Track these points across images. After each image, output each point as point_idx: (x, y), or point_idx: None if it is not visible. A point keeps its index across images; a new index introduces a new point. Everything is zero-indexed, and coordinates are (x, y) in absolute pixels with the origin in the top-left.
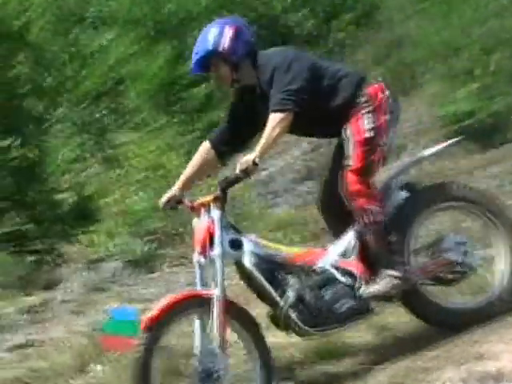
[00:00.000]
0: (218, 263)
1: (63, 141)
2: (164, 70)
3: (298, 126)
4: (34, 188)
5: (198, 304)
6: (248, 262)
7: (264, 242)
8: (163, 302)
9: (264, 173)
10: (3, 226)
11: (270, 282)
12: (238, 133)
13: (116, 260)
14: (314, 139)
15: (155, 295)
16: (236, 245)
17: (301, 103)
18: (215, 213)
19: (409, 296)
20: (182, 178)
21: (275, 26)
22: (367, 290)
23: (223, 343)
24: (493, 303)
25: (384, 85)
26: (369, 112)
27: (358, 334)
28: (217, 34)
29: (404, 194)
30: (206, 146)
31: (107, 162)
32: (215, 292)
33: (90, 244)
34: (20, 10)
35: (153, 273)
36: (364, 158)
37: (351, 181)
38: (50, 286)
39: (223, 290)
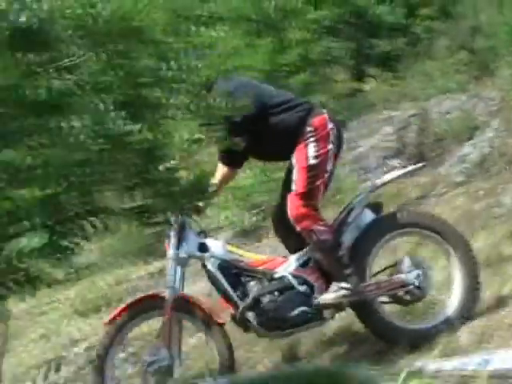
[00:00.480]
0: (170, 264)
1: (180, 125)
2: (267, 61)
3: (253, 150)
4: (156, 167)
5: (155, 303)
6: (211, 264)
7: (230, 247)
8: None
9: (358, 150)
10: (129, 201)
11: (232, 285)
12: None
13: (227, 230)
14: None
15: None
16: (203, 248)
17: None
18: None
19: (363, 310)
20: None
21: (366, 15)
22: (319, 298)
23: (168, 337)
24: (444, 324)
25: (329, 116)
26: (314, 141)
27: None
28: None
29: (371, 216)
30: (219, 166)
31: None
32: (166, 291)
33: (204, 217)
34: (138, 9)
35: (259, 241)
36: (307, 184)
37: (295, 205)
38: None
39: (173, 288)
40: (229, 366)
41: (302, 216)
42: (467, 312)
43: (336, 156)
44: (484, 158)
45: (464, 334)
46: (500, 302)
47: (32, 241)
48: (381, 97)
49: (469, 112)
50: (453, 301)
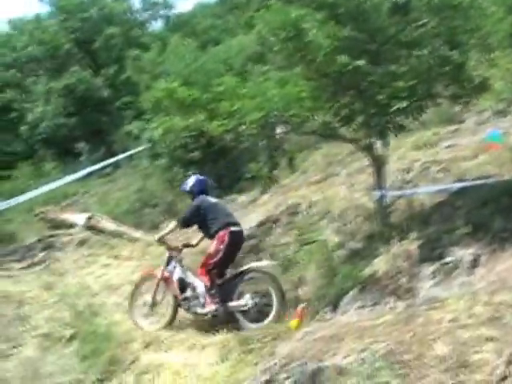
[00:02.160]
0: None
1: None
2: None
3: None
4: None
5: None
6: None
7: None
8: None
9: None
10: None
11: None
12: None
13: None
14: None
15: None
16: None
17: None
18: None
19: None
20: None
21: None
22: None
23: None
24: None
25: (229, 230)
26: (215, 242)
27: None
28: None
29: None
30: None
31: None
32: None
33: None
34: None
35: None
36: (205, 260)
37: (200, 267)
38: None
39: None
40: None
41: (201, 272)
42: (281, 312)
43: (231, 247)
44: None
45: None
46: None
47: (401, 103)
48: None
49: None
50: (274, 308)
